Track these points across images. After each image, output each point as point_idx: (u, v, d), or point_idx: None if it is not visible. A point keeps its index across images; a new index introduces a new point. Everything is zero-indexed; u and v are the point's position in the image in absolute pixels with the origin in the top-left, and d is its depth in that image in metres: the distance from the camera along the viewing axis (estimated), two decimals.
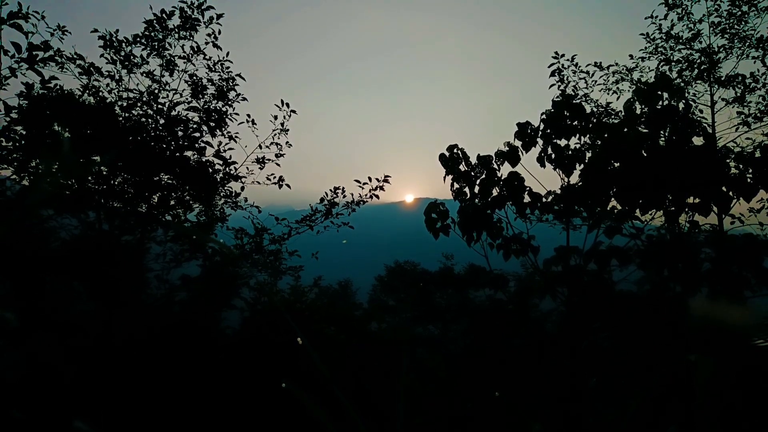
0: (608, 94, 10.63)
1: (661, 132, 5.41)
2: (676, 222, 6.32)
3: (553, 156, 7.39)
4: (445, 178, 7.49)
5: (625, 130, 5.92)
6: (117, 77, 7.84)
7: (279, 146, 8.89)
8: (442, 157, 7.49)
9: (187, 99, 8.29)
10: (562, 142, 7.19)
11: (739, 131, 9.88)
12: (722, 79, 9.81)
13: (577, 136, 7.26)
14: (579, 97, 10.34)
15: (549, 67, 10.21)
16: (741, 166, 5.59)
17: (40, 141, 6.93)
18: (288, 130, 8.87)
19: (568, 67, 10.24)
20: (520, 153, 7.48)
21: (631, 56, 10.51)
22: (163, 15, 7.90)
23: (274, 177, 8.99)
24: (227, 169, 8.52)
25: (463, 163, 7.46)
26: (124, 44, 7.87)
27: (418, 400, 7.71)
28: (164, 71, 8.15)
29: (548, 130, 7.16)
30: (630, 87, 10.62)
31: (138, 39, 7.85)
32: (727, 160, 5.16)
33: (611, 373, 6.79)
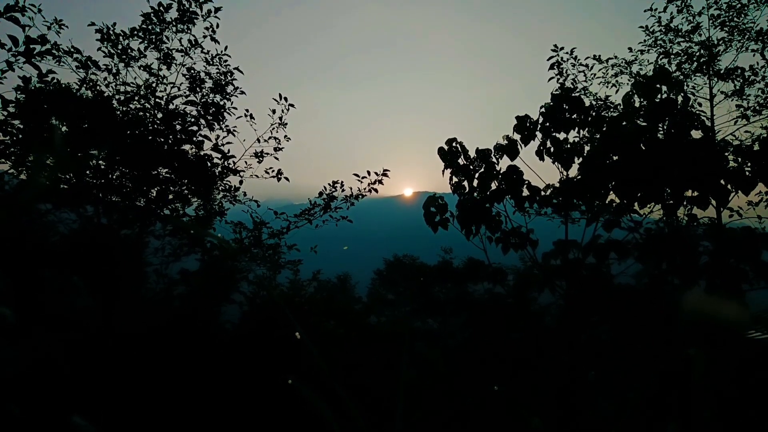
0: (607, 87, 10.60)
1: (660, 125, 5.39)
2: (675, 215, 6.32)
3: (552, 149, 7.39)
4: (444, 171, 7.47)
5: (624, 123, 5.90)
6: (114, 71, 7.81)
7: (277, 140, 8.88)
8: (440, 150, 7.47)
9: (184, 93, 8.26)
10: (561, 136, 7.18)
11: (737, 124, 9.88)
12: (721, 72, 9.79)
13: (576, 129, 7.25)
14: (578, 90, 10.31)
15: (548, 60, 10.17)
16: (739, 159, 5.59)
17: (38, 135, 6.91)
18: (286, 124, 8.85)
19: (567, 60, 10.21)
20: (519, 146, 7.46)
21: (630, 49, 10.49)
22: (161, 8, 7.85)
23: (273, 170, 8.98)
24: (225, 162, 8.51)
25: (462, 156, 7.45)
26: (121, 38, 7.83)
27: (417, 393, 7.74)
28: (162, 65, 8.11)
29: (547, 124, 7.14)
30: (629, 80, 10.60)
31: (135, 32, 7.81)
32: (726, 154, 5.15)
33: (610, 367, 6.81)
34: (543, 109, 7.14)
